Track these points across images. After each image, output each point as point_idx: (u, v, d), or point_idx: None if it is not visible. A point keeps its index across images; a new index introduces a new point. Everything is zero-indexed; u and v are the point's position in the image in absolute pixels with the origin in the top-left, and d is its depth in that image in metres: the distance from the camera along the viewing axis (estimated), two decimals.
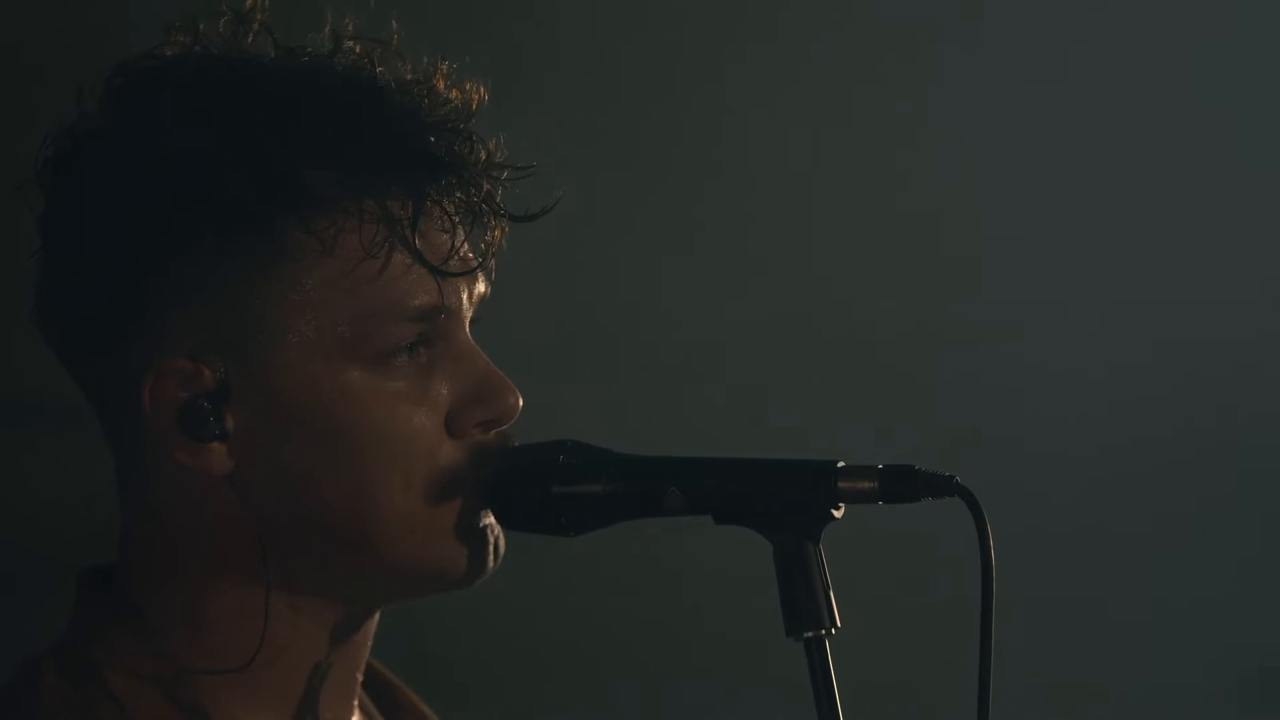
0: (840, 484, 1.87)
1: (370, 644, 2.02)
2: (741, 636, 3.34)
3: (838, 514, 1.88)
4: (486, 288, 1.98)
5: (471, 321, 1.97)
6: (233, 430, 1.89)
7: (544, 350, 3.33)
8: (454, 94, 1.93)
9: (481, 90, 1.94)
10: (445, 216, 1.92)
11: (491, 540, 1.95)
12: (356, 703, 2.03)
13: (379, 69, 1.93)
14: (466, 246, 1.94)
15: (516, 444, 1.96)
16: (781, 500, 1.88)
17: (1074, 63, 3.83)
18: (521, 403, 1.95)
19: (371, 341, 1.89)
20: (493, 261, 1.97)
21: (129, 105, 1.91)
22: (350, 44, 1.94)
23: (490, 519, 1.95)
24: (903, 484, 1.86)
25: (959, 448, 3.54)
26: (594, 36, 3.54)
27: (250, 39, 1.93)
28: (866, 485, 1.86)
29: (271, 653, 1.92)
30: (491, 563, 1.96)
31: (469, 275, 1.94)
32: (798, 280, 3.67)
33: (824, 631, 1.86)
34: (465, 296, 1.95)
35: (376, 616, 2.00)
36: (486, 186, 1.93)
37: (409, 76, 1.93)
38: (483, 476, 1.93)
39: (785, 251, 3.67)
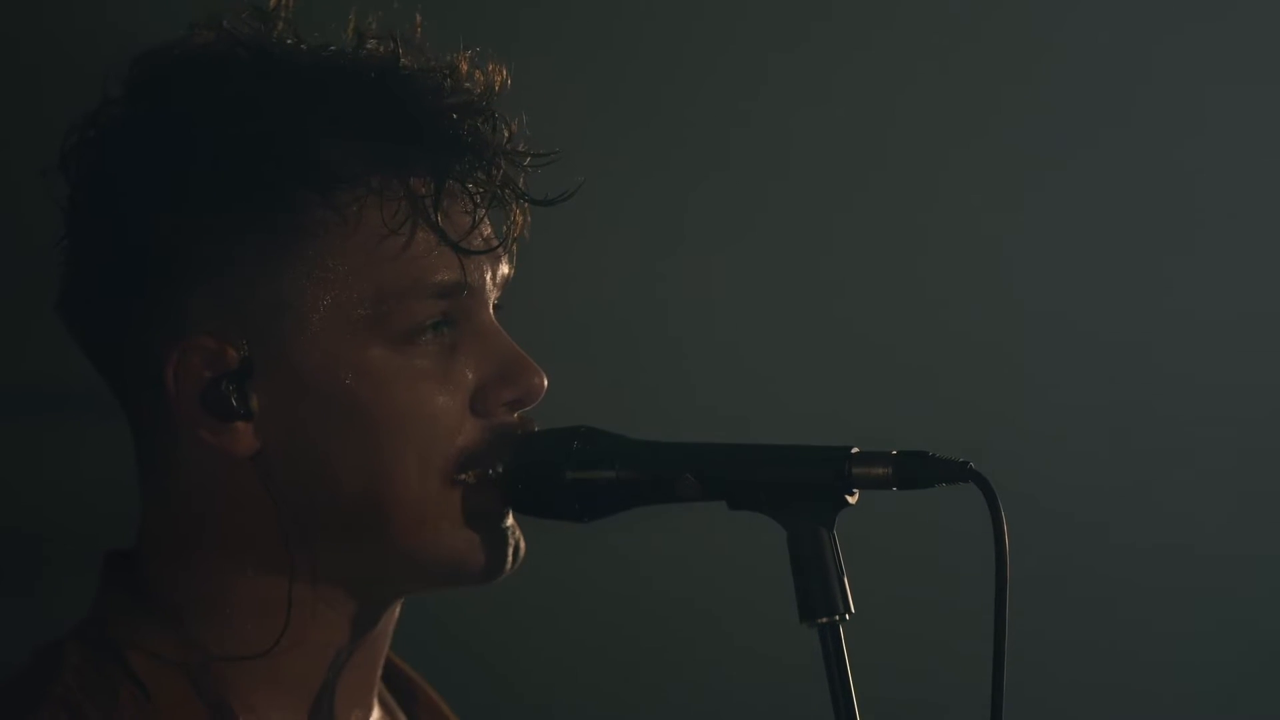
0: (854, 469, 1.87)
1: (390, 637, 2.01)
2: (755, 622, 3.34)
3: (852, 500, 1.88)
4: (510, 269, 1.98)
5: (495, 307, 1.97)
6: (257, 409, 1.89)
7: (558, 337, 3.33)
8: (476, 76, 1.94)
9: (504, 72, 1.95)
10: (467, 196, 1.92)
11: (512, 541, 1.95)
12: (376, 697, 2.02)
13: (402, 55, 1.93)
14: (489, 226, 1.94)
15: (537, 429, 1.96)
16: (795, 486, 1.88)
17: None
18: (546, 383, 1.95)
19: (394, 319, 1.90)
20: (514, 245, 1.97)
21: (151, 89, 1.92)
22: (374, 41, 1.94)
23: (511, 520, 1.95)
24: (916, 469, 1.86)
25: (973, 441, 3.53)
26: (620, 26, 3.54)
27: (273, 36, 1.94)
28: (880, 471, 1.86)
29: (294, 641, 1.91)
30: (510, 562, 1.95)
31: (492, 254, 1.94)
32: (816, 271, 3.67)
33: (838, 617, 1.86)
34: (489, 276, 1.95)
35: (398, 609, 1.99)
36: (506, 168, 1.93)
37: (432, 63, 1.94)
38: (498, 463, 1.93)
39: (803, 241, 3.67)
